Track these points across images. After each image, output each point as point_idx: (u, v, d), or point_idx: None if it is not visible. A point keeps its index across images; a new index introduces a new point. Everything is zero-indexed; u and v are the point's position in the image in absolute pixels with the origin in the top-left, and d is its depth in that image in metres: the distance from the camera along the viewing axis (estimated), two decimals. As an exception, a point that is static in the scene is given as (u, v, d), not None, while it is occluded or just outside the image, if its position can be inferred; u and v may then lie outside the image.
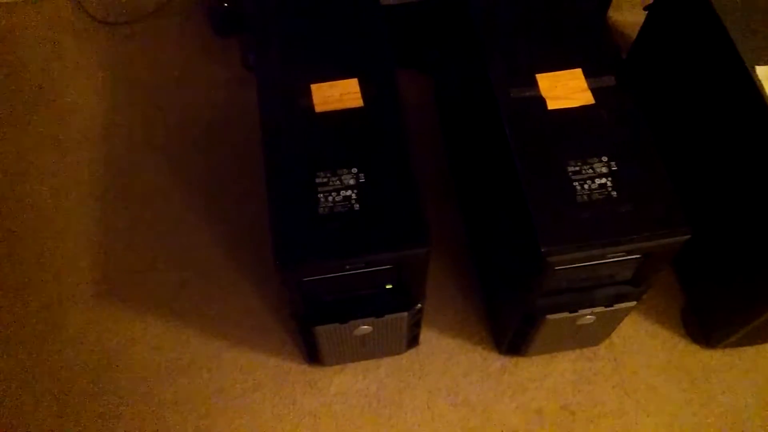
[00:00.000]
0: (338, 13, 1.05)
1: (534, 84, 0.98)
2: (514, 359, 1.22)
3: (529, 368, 1.21)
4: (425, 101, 1.53)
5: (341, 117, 0.95)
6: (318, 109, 0.95)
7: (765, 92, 0.97)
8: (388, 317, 1.01)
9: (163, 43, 1.61)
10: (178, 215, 1.36)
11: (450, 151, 1.44)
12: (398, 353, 1.21)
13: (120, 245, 1.33)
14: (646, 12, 1.33)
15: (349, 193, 0.89)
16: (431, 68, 1.54)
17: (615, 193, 0.89)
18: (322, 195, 0.89)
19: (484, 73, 1.01)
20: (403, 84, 1.52)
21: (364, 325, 1.02)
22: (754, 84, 0.98)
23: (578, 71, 0.99)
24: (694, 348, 1.23)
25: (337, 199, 0.88)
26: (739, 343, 1.20)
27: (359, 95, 0.97)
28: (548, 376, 1.20)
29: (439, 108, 1.51)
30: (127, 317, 1.25)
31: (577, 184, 0.89)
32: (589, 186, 0.89)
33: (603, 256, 0.89)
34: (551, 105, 0.96)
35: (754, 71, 0.99)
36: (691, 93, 1.18)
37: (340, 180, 0.90)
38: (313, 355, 1.16)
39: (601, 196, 0.89)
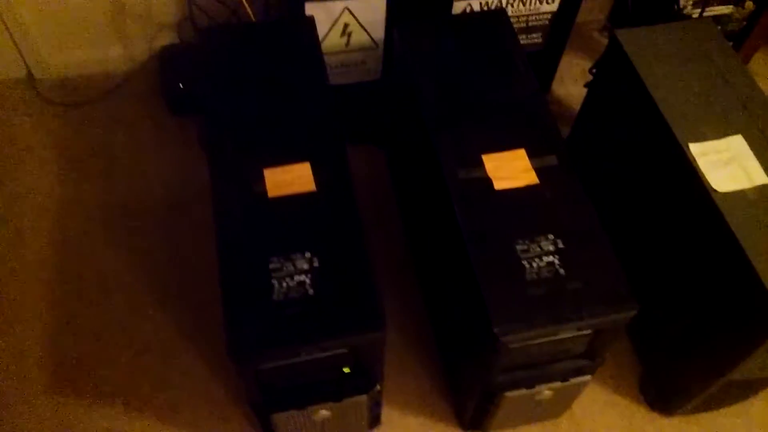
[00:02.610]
0: (288, 94, 1.08)
1: (480, 165, 1.01)
2: (477, 435, 1.21)
3: (491, 443, 1.20)
4: (381, 174, 1.56)
5: (294, 201, 0.96)
6: (271, 194, 0.96)
7: (699, 167, 1.02)
8: (347, 401, 1.00)
9: (119, 124, 1.61)
10: (133, 298, 1.34)
11: (406, 225, 1.46)
12: (360, 434, 1.19)
13: (71, 334, 1.29)
14: (586, 88, 1.39)
15: (303, 278, 0.89)
16: (384, 143, 1.58)
17: (563, 270, 0.91)
18: (276, 281, 0.89)
19: (432, 154, 1.04)
20: (359, 159, 1.56)
21: (323, 410, 1.01)
22: (688, 160, 1.03)
23: (522, 152, 1.03)
24: (653, 416, 1.24)
25: (291, 284, 0.89)
26: (696, 410, 1.22)
27: (311, 179, 0.98)
28: (511, 451, 1.20)
29: (393, 181, 1.53)
30: (80, 411, 1.21)
31: (525, 262, 0.92)
32: (538, 264, 0.91)
33: (555, 334, 0.90)
34: (498, 185, 0.99)
35: (688, 148, 1.04)
36: (631, 168, 1.23)
37: (294, 265, 0.90)
38: (272, 441, 1.13)
39: (549, 274, 0.91)
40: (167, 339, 1.29)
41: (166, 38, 1.67)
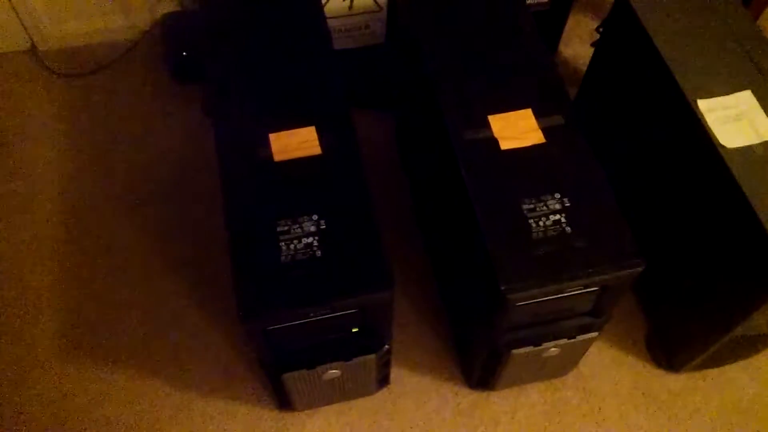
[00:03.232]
0: (293, 60, 1.07)
1: (487, 125, 1.01)
2: (485, 393, 1.23)
3: (500, 402, 1.22)
4: (387, 139, 1.56)
5: (300, 165, 0.96)
6: (277, 158, 0.97)
7: (707, 124, 1.01)
8: (356, 360, 1.02)
9: (123, 93, 1.61)
10: (142, 266, 1.35)
11: (412, 188, 1.46)
12: (370, 394, 1.21)
13: (83, 299, 1.31)
14: (593, 48, 1.38)
15: (310, 240, 0.90)
16: (391, 108, 1.57)
17: (569, 228, 0.91)
18: (283, 243, 0.89)
19: (438, 116, 1.04)
20: (365, 124, 1.56)
21: (333, 370, 1.02)
22: (696, 117, 1.02)
23: (528, 111, 1.02)
24: (659, 373, 1.26)
25: (299, 246, 0.89)
26: (703, 366, 1.23)
27: (317, 143, 0.99)
28: (519, 409, 1.22)
29: (399, 146, 1.53)
30: (94, 372, 1.24)
31: (532, 221, 0.92)
32: (544, 223, 0.92)
33: (561, 291, 0.91)
34: (504, 145, 0.99)
35: (696, 105, 1.03)
36: (639, 126, 1.22)
37: (301, 227, 0.91)
38: (284, 402, 1.15)
39: (555, 233, 0.91)
40: (177, 304, 1.31)
41: (168, 6, 1.65)
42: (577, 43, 1.72)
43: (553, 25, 1.62)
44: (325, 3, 1.34)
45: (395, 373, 1.24)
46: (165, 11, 1.65)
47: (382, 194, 1.45)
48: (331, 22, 1.38)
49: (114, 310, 1.30)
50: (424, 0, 1.18)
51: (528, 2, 1.49)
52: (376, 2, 1.38)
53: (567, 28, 1.66)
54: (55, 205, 1.43)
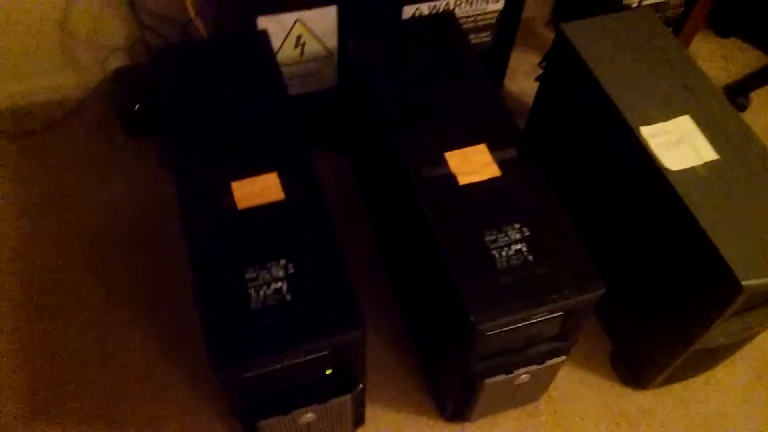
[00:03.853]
0: (249, 107, 1.09)
1: (444, 162, 1.04)
2: (461, 425, 1.24)
3: (475, 433, 1.23)
4: (347, 180, 1.58)
5: (264, 211, 0.97)
6: (240, 205, 0.98)
7: (651, 149, 1.06)
8: (331, 402, 1.01)
9: (76, 150, 1.60)
10: (104, 323, 1.32)
11: (375, 227, 1.48)
12: (345, 436, 1.21)
13: (45, 360, 1.27)
14: (538, 82, 1.44)
15: (279, 285, 0.90)
16: (346, 148, 1.60)
17: (531, 256, 0.94)
18: (252, 290, 0.90)
19: (396, 155, 1.07)
20: (324, 166, 1.58)
21: (308, 413, 1.02)
22: (640, 143, 1.07)
23: (483, 146, 1.06)
24: (627, 391, 1.29)
25: (268, 292, 0.90)
26: (667, 381, 1.27)
27: (280, 188, 1.00)
28: (495, 438, 1.23)
29: (358, 184, 1.56)
30: (58, 436, 1.20)
31: (495, 252, 0.95)
32: (507, 253, 0.94)
33: (528, 318, 0.93)
34: (462, 180, 1.02)
35: (640, 132, 1.09)
36: (587, 154, 1.28)
37: (270, 273, 0.91)
38: (259, 451, 1.13)
39: (518, 261, 0.94)
40: (146, 356, 1.28)
41: (118, 61, 1.66)
42: (522, 78, 1.79)
43: (497, 62, 1.69)
44: (278, 51, 1.37)
45: (370, 411, 1.23)
46: (115, 66, 1.65)
47: (346, 234, 1.47)
48: (284, 69, 1.41)
49: (78, 371, 1.27)
50: (373, 44, 1.22)
51: (473, 41, 1.55)
52: (326, 49, 1.42)
53: (510, 64, 1.73)
54: (12, 265, 1.39)
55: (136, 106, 1.57)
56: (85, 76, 1.67)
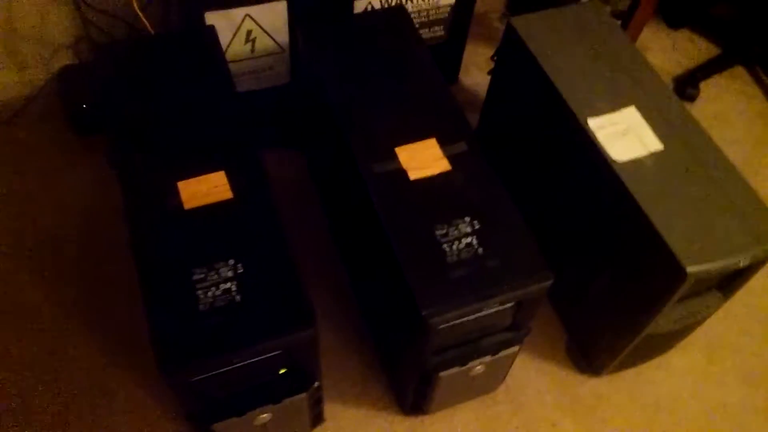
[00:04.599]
0: (196, 104, 1.07)
1: (394, 157, 1.04)
2: (420, 418, 1.24)
3: (435, 424, 1.23)
4: (301, 176, 1.56)
5: (212, 211, 0.96)
6: (187, 205, 0.96)
7: (598, 140, 1.08)
8: (286, 401, 1.01)
9: (22, 150, 1.55)
10: (53, 329, 1.29)
11: (330, 223, 1.47)
12: (304, 434, 1.20)
13: (4, 366, 1.24)
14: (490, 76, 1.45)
15: (228, 285, 0.89)
16: (301, 145, 1.59)
17: (481, 249, 0.95)
18: (201, 291, 0.88)
19: (346, 150, 1.06)
20: (277, 163, 1.57)
21: (264, 414, 1.01)
22: (587, 135, 1.09)
23: (433, 141, 1.06)
24: (582, 378, 1.31)
25: (217, 293, 0.88)
26: (621, 367, 1.29)
27: (228, 187, 0.98)
28: (455, 430, 1.23)
29: (314, 181, 1.54)
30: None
31: (446, 246, 0.95)
32: (457, 246, 0.95)
33: (479, 310, 0.94)
34: (412, 175, 1.02)
35: (587, 123, 1.10)
36: (537, 146, 1.29)
37: (218, 274, 0.90)
38: (216, 453, 1.12)
39: (469, 255, 0.94)
40: (95, 365, 1.25)
41: (64, 59, 1.61)
42: (476, 72, 1.79)
43: (451, 56, 1.69)
44: (227, 47, 1.35)
45: (330, 409, 1.23)
46: (61, 64, 1.61)
47: (301, 230, 1.46)
48: (234, 66, 1.40)
49: (28, 381, 1.23)
50: (323, 38, 1.21)
51: (427, 36, 1.55)
52: (278, 44, 1.40)
53: (465, 57, 1.73)
54: (-46, 273, 1.35)
55: (84, 105, 1.53)
56: (31, 75, 1.62)
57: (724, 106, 1.80)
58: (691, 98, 1.77)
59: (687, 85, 1.78)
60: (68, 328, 1.29)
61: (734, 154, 1.12)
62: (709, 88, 1.83)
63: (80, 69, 1.60)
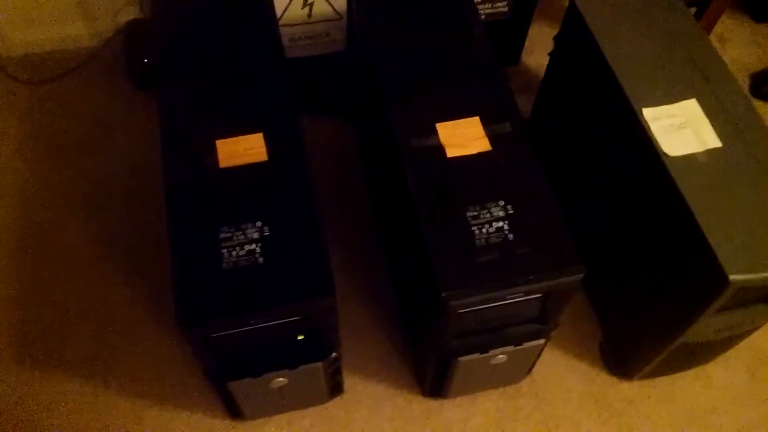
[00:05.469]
0: (244, 67, 1.07)
1: (434, 133, 1.01)
2: (439, 401, 1.23)
3: (452, 409, 1.22)
4: (349, 147, 1.56)
5: (245, 172, 0.96)
6: (222, 164, 0.97)
7: (651, 132, 1.02)
8: (302, 368, 1.01)
9: (85, 100, 1.60)
10: (98, 274, 1.34)
11: (372, 196, 1.46)
12: (322, 403, 1.21)
13: (38, 307, 1.30)
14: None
15: (253, 247, 0.90)
16: (351, 116, 1.57)
17: (512, 236, 0.92)
18: (225, 250, 0.89)
19: (387, 123, 1.04)
20: (326, 131, 1.56)
21: (280, 378, 1.02)
22: (641, 125, 1.03)
23: (476, 119, 1.03)
24: (613, 380, 1.26)
25: (241, 253, 0.89)
26: (655, 374, 1.24)
27: (264, 149, 0.98)
28: (472, 417, 1.21)
29: (360, 153, 1.53)
30: (45, 380, 1.22)
31: (475, 228, 0.92)
32: (487, 230, 0.92)
33: (503, 298, 0.91)
34: (450, 153, 0.99)
35: (641, 113, 1.04)
36: (589, 134, 1.23)
37: (245, 234, 0.91)
38: (234, 411, 1.14)
39: (498, 240, 0.91)
40: (131, 312, 1.30)
41: (131, 13, 1.65)
42: (540, 53, 1.73)
43: (514, 34, 1.63)
44: (285, 11, 1.34)
45: (350, 381, 1.23)
46: (127, 18, 1.65)
47: (344, 202, 1.46)
48: (291, 30, 1.39)
49: (68, 319, 1.29)
50: (377, 7, 1.19)
51: (488, 12, 1.50)
52: (335, 10, 1.39)
53: (530, 37, 1.67)
54: (12, 211, 1.42)
55: (145, 60, 1.56)
56: (98, 27, 1.66)
57: (804, 110, 1.69)
58: (767, 97, 1.66)
59: (764, 83, 1.66)
60: (111, 276, 1.34)
61: (804, 160, 1.04)
62: (790, 89, 1.71)
63: (145, 24, 1.63)
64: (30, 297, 1.31)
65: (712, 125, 1.03)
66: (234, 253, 0.89)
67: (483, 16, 1.48)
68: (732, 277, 0.88)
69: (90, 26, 1.65)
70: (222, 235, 0.90)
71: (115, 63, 1.65)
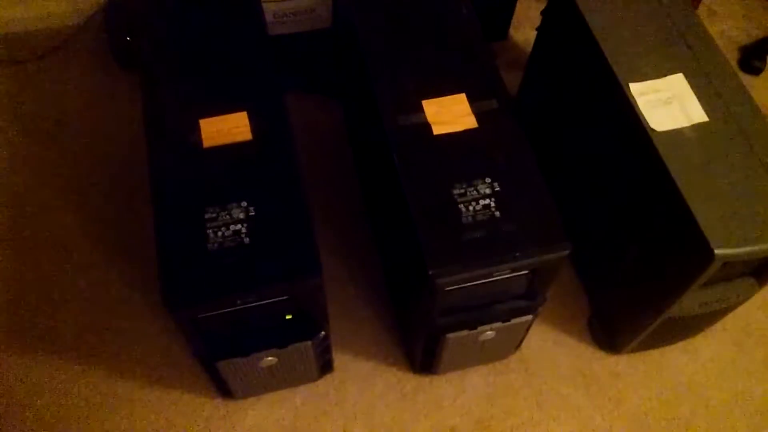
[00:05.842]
0: (226, 45, 1.06)
1: (420, 110, 1.00)
2: (429, 378, 1.24)
3: (443, 386, 1.23)
4: (336, 125, 1.55)
5: (230, 151, 0.95)
6: (206, 144, 0.95)
7: (638, 107, 1.02)
8: (291, 347, 1.01)
9: (68, 79, 1.58)
10: (85, 254, 1.33)
11: (360, 174, 1.45)
12: (313, 380, 1.21)
13: (24, 287, 1.29)
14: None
15: (238, 227, 0.89)
16: (338, 93, 1.56)
17: (498, 213, 0.91)
18: (211, 230, 0.88)
19: (373, 101, 1.03)
20: (312, 109, 1.55)
21: (269, 357, 1.02)
22: (627, 100, 1.02)
23: (462, 96, 1.02)
24: (601, 354, 1.27)
25: (227, 233, 0.88)
26: (642, 348, 1.25)
27: (248, 128, 0.97)
28: (462, 393, 1.22)
29: (348, 130, 1.52)
30: (33, 364, 1.22)
31: (462, 206, 0.92)
32: (474, 207, 0.92)
33: (490, 275, 0.91)
34: (437, 130, 0.99)
35: (628, 88, 1.04)
36: (576, 110, 1.23)
37: (230, 214, 0.90)
38: (224, 390, 1.15)
39: (485, 217, 0.91)
40: (118, 293, 1.29)
41: (113, -10, 1.62)
42: (528, 28, 1.71)
43: (502, 9, 1.62)
44: (268, -14, 1.32)
45: (340, 359, 1.24)
46: (109, -5, 1.62)
47: (331, 180, 1.45)
48: (275, 6, 1.37)
49: (55, 299, 1.28)
50: (362, -17, 1.17)
51: (475, -14, 1.48)
52: (320, -15, 1.37)
53: (517, 12, 1.66)
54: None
55: (127, 38, 1.54)
56: (80, 5, 1.63)
57: (793, 83, 1.68)
58: (756, 71, 1.66)
59: (753, 57, 1.66)
60: (98, 256, 1.33)
61: (790, 134, 1.04)
62: (779, 62, 1.70)
63: (127, 2, 1.60)
64: (16, 281, 1.30)
65: (699, 100, 1.03)
66: (219, 233, 0.88)
67: (470, -9, 1.46)
68: (717, 251, 0.88)
69: (71, 4, 1.62)
70: (207, 216, 0.89)
71: (97, 41, 1.63)
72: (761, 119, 1.01)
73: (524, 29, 1.72)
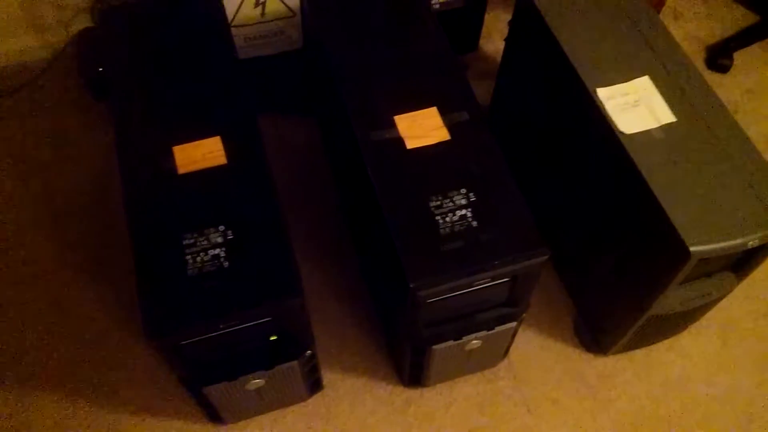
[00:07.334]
0: (197, 71, 1.07)
1: (393, 125, 1.01)
2: (419, 390, 1.24)
3: (433, 397, 1.23)
4: (312, 144, 1.55)
5: (205, 176, 0.96)
6: (181, 170, 0.96)
7: (606, 111, 1.03)
8: (278, 368, 1.01)
9: (40, 113, 1.57)
10: (64, 286, 1.32)
11: (338, 192, 1.46)
12: (303, 400, 1.21)
13: (2, 325, 1.28)
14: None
15: (217, 251, 0.89)
16: (313, 112, 1.57)
17: (475, 222, 0.92)
18: (189, 256, 0.88)
19: (345, 117, 1.04)
20: (289, 129, 1.56)
21: (256, 379, 1.01)
22: (596, 105, 1.04)
23: (433, 110, 1.03)
24: (588, 357, 1.28)
25: (206, 258, 0.88)
26: (629, 347, 1.26)
27: (222, 153, 0.98)
28: (453, 403, 1.22)
29: (325, 149, 1.53)
30: (20, 400, 1.20)
31: (439, 217, 0.93)
32: (451, 218, 0.92)
33: (470, 285, 0.92)
34: (410, 144, 0.99)
35: (596, 93, 1.05)
36: (547, 119, 1.24)
37: (208, 239, 0.90)
38: (213, 415, 1.14)
39: (462, 227, 0.92)
40: (101, 323, 1.28)
41: (83, 22, 1.62)
42: (498, 39, 1.74)
43: (471, 21, 1.64)
44: (237, 11, 1.33)
45: (329, 377, 1.23)
46: (80, 27, 1.62)
47: (310, 198, 1.45)
48: (245, 30, 1.38)
49: (36, 334, 1.27)
50: (328, 3, 1.18)
51: (442, 0, 1.50)
52: (288, 7, 1.38)
53: (487, 23, 1.68)
54: (-27, 232, 1.39)
55: (100, 69, 1.54)
56: (50, 38, 1.64)
57: (759, 79, 1.71)
58: (724, 69, 1.69)
59: (720, 56, 1.69)
60: (77, 288, 1.32)
61: (766, 130, 1.06)
62: (744, 58, 1.74)
63: (97, 32, 1.61)
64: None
65: (666, 101, 1.04)
66: (198, 258, 0.88)
67: (437, 6, 1.48)
68: (693, 248, 0.89)
69: (41, 38, 1.63)
70: (185, 242, 0.90)
71: (70, 74, 1.63)
72: (728, 116, 1.03)
73: (494, 40, 1.75)
